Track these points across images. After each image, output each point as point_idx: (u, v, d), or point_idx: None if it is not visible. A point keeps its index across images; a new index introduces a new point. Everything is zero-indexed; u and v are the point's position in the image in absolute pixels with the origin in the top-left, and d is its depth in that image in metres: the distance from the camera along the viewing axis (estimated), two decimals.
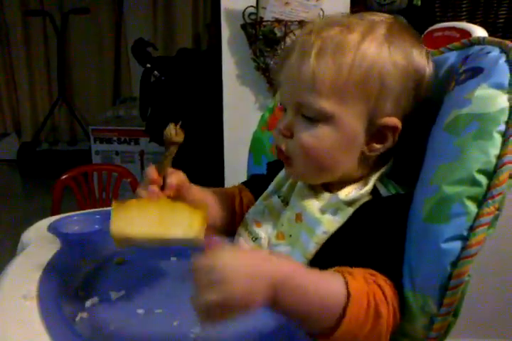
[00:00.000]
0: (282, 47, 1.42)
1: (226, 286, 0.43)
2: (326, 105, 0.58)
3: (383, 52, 0.58)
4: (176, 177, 0.65)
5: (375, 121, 0.60)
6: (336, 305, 0.48)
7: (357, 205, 0.61)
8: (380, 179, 0.62)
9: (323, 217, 0.61)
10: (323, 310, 0.48)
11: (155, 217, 0.57)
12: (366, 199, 0.61)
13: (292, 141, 0.62)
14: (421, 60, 0.61)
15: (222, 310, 0.44)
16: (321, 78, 0.57)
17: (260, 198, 0.74)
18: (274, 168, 0.77)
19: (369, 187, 0.61)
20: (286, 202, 0.70)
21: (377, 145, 0.62)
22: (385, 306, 0.50)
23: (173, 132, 0.60)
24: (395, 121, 0.60)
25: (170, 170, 0.65)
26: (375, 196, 0.61)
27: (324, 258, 0.58)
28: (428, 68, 0.62)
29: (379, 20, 0.61)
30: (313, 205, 0.64)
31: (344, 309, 0.47)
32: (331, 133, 0.59)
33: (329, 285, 0.49)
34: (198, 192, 0.71)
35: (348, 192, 0.62)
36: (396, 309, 0.52)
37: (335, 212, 0.61)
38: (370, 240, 0.56)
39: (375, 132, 0.61)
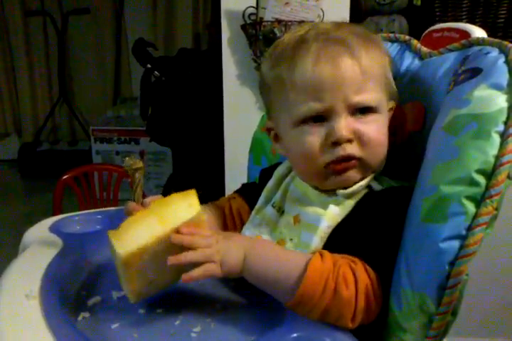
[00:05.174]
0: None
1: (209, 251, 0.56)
2: (379, 96, 0.63)
3: (382, 46, 0.67)
4: (153, 197, 0.64)
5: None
6: (291, 279, 0.54)
7: (356, 198, 0.63)
8: (375, 176, 0.65)
9: (326, 211, 0.62)
10: (281, 280, 0.55)
11: (153, 219, 0.56)
12: (364, 191, 0.64)
13: (361, 140, 0.61)
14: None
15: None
16: (374, 74, 0.62)
17: (253, 212, 0.74)
18: (267, 175, 0.77)
19: (367, 180, 0.64)
20: (282, 211, 0.70)
21: None
22: (348, 290, 0.53)
23: (131, 161, 0.61)
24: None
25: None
26: (371, 190, 0.64)
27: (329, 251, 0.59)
28: None
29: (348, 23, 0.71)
30: (312, 203, 0.66)
31: (297, 286, 0.53)
32: (382, 121, 0.64)
33: (290, 262, 0.56)
34: None
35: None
36: (370, 298, 0.54)
37: (336, 206, 0.63)
38: (366, 232, 0.58)
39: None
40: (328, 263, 0.54)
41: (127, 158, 0.62)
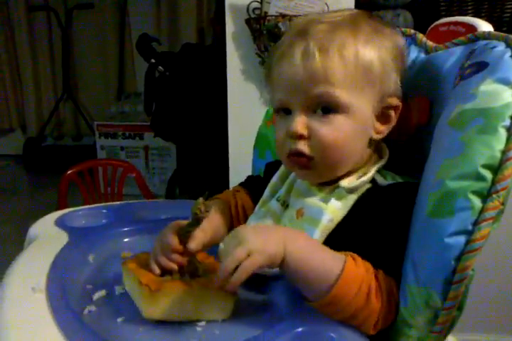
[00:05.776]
0: None
1: (245, 243, 0.53)
2: (342, 95, 0.60)
3: (376, 40, 0.62)
4: (196, 244, 0.63)
5: (380, 103, 0.63)
6: (327, 278, 0.53)
7: (359, 193, 0.63)
8: (378, 170, 0.65)
9: (327, 205, 0.62)
10: (317, 278, 0.54)
11: (188, 304, 0.57)
12: (367, 186, 0.64)
13: (313, 139, 0.61)
14: (397, 37, 0.66)
15: (248, 264, 0.52)
16: (332, 71, 0.59)
17: (258, 206, 0.74)
18: (271, 169, 0.77)
19: (369, 175, 0.64)
20: (286, 205, 0.70)
21: (382, 127, 0.65)
22: (377, 298, 0.54)
23: (203, 208, 0.59)
24: (396, 100, 0.64)
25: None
26: (375, 184, 0.64)
27: (331, 247, 0.58)
28: (402, 41, 0.68)
29: (353, 13, 0.66)
30: (315, 197, 0.65)
31: (332, 285, 0.53)
32: (347, 122, 0.61)
33: (329, 259, 0.55)
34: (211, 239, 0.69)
35: (349, 181, 0.64)
36: (392, 304, 0.55)
37: (337, 200, 0.63)
38: (373, 231, 0.58)
39: (380, 114, 0.64)
40: (362, 268, 0.55)
41: (201, 202, 0.58)
